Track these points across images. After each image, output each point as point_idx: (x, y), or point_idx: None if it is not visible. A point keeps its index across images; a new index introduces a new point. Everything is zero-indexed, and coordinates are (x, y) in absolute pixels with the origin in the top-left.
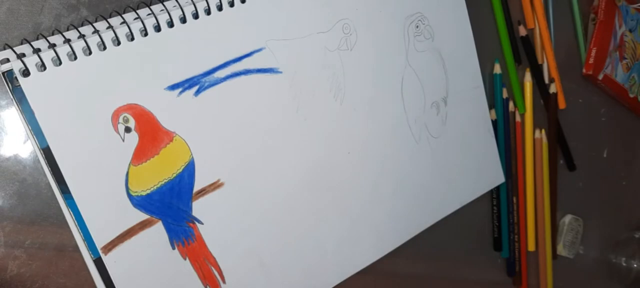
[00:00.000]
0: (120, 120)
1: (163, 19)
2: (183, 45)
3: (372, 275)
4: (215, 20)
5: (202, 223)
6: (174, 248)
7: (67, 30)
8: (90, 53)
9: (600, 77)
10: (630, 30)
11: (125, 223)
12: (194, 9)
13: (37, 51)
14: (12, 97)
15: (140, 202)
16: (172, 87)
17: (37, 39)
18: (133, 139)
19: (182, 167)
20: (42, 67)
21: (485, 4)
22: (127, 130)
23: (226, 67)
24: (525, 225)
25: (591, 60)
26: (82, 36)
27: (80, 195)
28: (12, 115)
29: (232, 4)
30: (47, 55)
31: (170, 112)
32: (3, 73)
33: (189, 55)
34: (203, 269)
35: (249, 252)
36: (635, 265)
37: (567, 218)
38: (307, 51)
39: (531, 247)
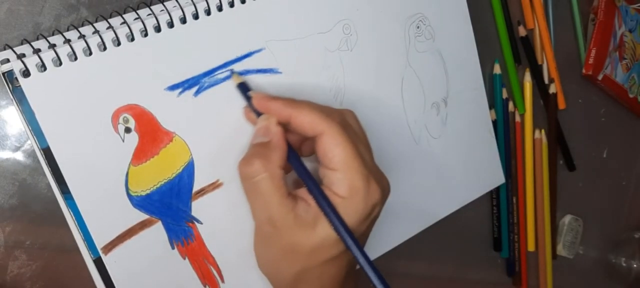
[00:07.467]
0: (121, 120)
1: (163, 19)
2: (183, 46)
3: None
4: (215, 21)
5: (201, 223)
6: (173, 248)
7: (67, 30)
8: (90, 53)
9: (600, 77)
10: (630, 31)
11: (125, 223)
12: (194, 9)
13: (37, 51)
14: (12, 97)
15: (140, 202)
16: (172, 88)
17: (37, 39)
18: (133, 139)
19: (182, 167)
20: (43, 67)
21: (485, 4)
22: (127, 130)
23: (226, 67)
24: (525, 225)
25: (591, 61)
26: (82, 36)
27: (80, 195)
28: (12, 115)
29: (232, 5)
30: (48, 56)
31: (170, 112)
32: (3, 73)
33: (188, 55)
34: (202, 269)
35: (248, 251)
36: (635, 266)
37: (567, 218)
38: (307, 52)
39: (531, 247)
